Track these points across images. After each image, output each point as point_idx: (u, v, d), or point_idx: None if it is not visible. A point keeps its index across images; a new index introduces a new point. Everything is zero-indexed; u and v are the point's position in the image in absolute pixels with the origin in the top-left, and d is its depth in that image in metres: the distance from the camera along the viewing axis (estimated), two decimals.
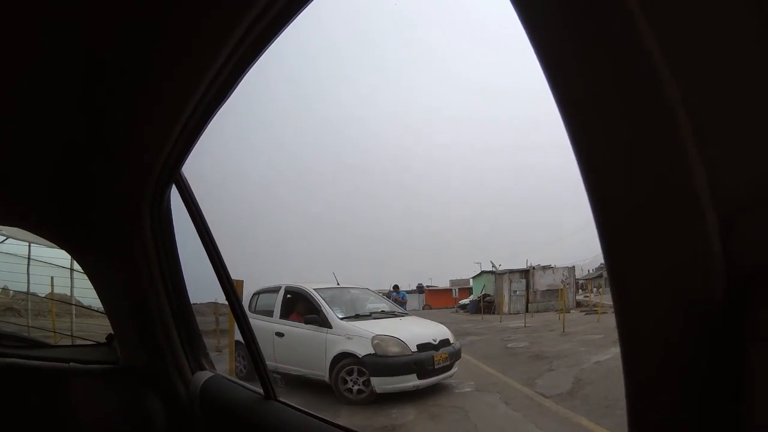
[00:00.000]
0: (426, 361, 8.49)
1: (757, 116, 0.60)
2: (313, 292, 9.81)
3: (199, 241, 2.20)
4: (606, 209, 0.70)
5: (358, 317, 9.77)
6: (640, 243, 0.69)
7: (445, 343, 9.13)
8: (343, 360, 8.60)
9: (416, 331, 9.34)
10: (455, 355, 9.16)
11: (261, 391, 2.08)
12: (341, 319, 9.34)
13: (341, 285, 11.03)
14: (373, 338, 8.58)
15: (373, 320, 9.72)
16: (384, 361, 8.29)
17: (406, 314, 11.12)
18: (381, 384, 8.19)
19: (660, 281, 0.69)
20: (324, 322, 9.19)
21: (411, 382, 8.33)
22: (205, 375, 2.41)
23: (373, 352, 8.40)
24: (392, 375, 8.25)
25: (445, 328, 9.78)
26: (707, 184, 0.63)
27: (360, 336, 8.73)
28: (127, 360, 2.54)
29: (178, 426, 2.35)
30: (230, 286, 2.22)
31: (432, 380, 8.59)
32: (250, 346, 2.17)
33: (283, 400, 2.03)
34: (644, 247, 0.69)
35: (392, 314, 10.48)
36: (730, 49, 0.59)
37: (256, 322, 9.17)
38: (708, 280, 0.66)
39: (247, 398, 2.13)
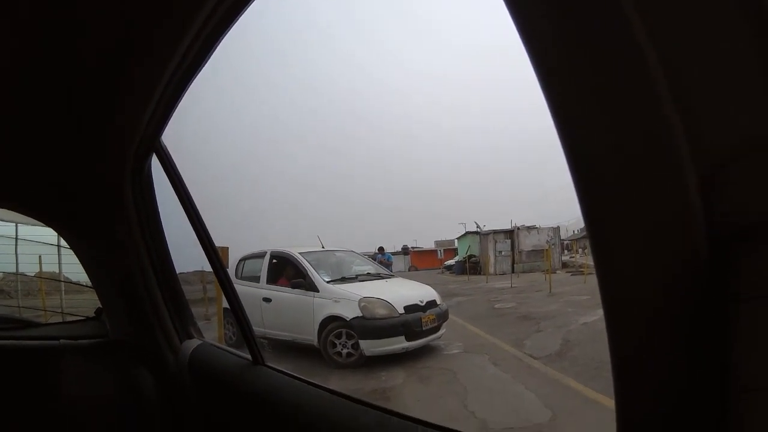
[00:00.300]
0: (413, 322, 8.51)
1: (734, 69, 0.58)
2: (299, 256, 9.79)
3: (182, 209, 2.19)
4: (583, 169, 0.68)
5: (344, 280, 9.72)
6: (620, 203, 0.67)
7: (432, 304, 9.16)
8: (331, 324, 8.61)
9: (403, 292, 9.31)
10: (443, 317, 9.19)
11: (249, 356, 2.08)
12: (327, 282, 9.31)
13: (326, 248, 11.05)
14: (360, 301, 8.58)
15: (360, 283, 9.73)
16: (372, 324, 8.30)
17: (393, 276, 11.16)
18: (370, 347, 8.24)
19: (641, 242, 0.67)
20: (311, 286, 9.18)
21: (400, 344, 8.34)
22: (193, 343, 2.42)
23: (360, 314, 8.41)
24: (380, 337, 8.28)
25: (432, 289, 9.81)
26: (686, 140, 0.61)
27: (347, 299, 8.70)
28: (116, 333, 2.53)
29: (168, 395, 2.36)
30: (215, 254, 2.21)
31: (420, 342, 8.61)
32: (236, 312, 2.18)
33: (270, 364, 2.04)
34: (624, 207, 0.67)
35: (378, 276, 10.48)
36: (711, 15, 0.57)
37: (242, 288, 9.33)
38: (690, 240, 0.65)
39: (235, 364, 2.14)
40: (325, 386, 1.78)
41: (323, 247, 11.03)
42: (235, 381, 2.06)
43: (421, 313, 8.76)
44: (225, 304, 6.93)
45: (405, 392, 6.90)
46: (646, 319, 0.69)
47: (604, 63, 0.63)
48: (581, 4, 0.62)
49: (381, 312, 8.50)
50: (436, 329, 9.00)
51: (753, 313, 0.59)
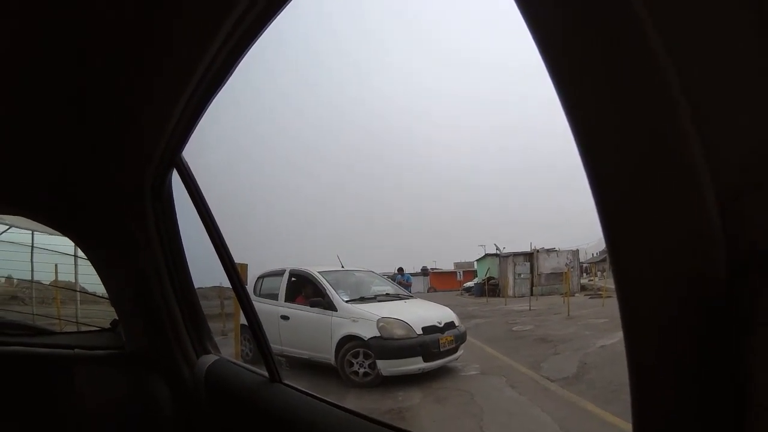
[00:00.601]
0: (431, 343, 8.50)
1: (756, 95, 0.58)
2: (318, 275, 9.84)
3: (202, 225, 2.19)
4: (605, 191, 0.69)
5: (363, 300, 9.75)
6: (640, 225, 0.68)
7: (450, 325, 9.16)
8: (349, 343, 8.64)
9: (421, 313, 9.32)
10: (460, 338, 9.17)
11: (266, 374, 2.08)
12: (346, 301, 9.37)
13: (346, 268, 11.06)
14: (379, 321, 8.60)
15: (378, 303, 9.73)
16: (389, 344, 8.31)
17: (411, 297, 11.11)
18: (387, 367, 8.23)
19: (660, 263, 0.68)
20: (329, 305, 9.22)
21: (417, 364, 8.34)
22: (209, 359, 2.42)
23: (378, 334, 8.43)
24: (398, 357, 8.27)
25: (450, 310, 9.79)
26: (707, 165, 0.61)
27: (365, 319, 8.72)
28: (132, 345, 2.55)
29: (183, 410, 2.37)
30: (234, 270, 2.21)
31: (438, 363, 8.60)
32: (254, 329, 2.18)
33: (288, 383, 2.04)
34: (644, 228, 0.68)
35: (397, 297, 10.48)
36: (729, 26, 0.57)
37: (261, 305, 9.24)
38: (708, 263, 0.65)
39: (252, 381, 2.13)
40: (342, 405, 1.78)
41: (342, 267, 11.04)
42: (251, 398, 2.06)
43: (440, 334, 8.75)
44: (242, 320, 7.14)
45: (422, 413, 6.91)
46: (662, 337, 0.70)
47: (625, 79, 0.63)
48: (603, 30, 0.63)
49: (399, 332, 8.49)
50: (454, 350, 8.99)
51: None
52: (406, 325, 8.60)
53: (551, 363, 9.07)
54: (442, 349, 8.65)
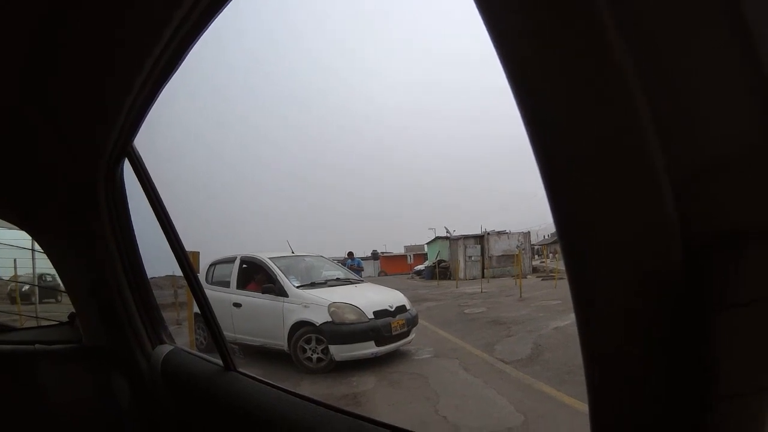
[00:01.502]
0: (383, 327, 8.50)
1: (710, 78, 0.57)
2: (269, 261, 9.78)
3: (153, 214, 2.21)
4: (555, 177, 0.67)
5: (314, 285, 9.66)
6: (593, 212, 0.67)
7: (401, 309, 9.16)
8: (301, 329, 8.54)
9: (372, 297, 9.32)
10: (412, 322, 9.19)
11: (220, 362, 2.10)
12: (297, 287, 9.25)
13: (296, 254, 10.98)
14: (330, 306, 8.51)
15: (329, 288, 9.68)
16: (341, 329, 8.27)
17: (362, 281, 11.11)
18: (339, 352, 8.20)
19: (615, 251, 0.67)
20: (280, 291, 9.14)
21: (369, 349, 8.30)
22: (165, 349, 2.45)
23: (330, 319, 8.37)
24: (350, 342, 8.26)
25: (401, 294, 9.81)
26: (660, 150, 0.60)
27: (316, 304, 8.65)
28: (89, 338, 2.59)
29: (142, 400, 2.40)
30: (185, 259, 2.21)
31: (390, 347, 8.61)
32: (207, 317, 2.18)
33: (242, 370, 2.06)
34: (597, 216, 0.67)
35: (348, 281, 10.47)
36: (685, 10, 0.55)
37: (213, 293, 9.24)
38: (664, 249, 0.64)
39: (207, 370, 2.15)
40: (297, 392, 1.79)
41: (293, 253, 10.95)
42: (207, 387, 2.07)
43: (391, 318, 8.74)
44: (196, 309, 6.93)
45: (377, 397, 6.84)
46: (618, 323, 0.69)
47: (575, 62, 0.61)
48: (556, 12, 0.60)
49: (350, 317, 8.46)
50: (406, 334, 8.99)
51: (730, 320, 0.60)
52: (358, 310, 8.55)
53: (505, 345, 9.14)
54: (393, 333, 8.63)
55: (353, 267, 15.71)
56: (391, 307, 8.98)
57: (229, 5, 1.23)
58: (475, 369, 7.75)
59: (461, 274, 24.11)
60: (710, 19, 0.54)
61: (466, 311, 13.90)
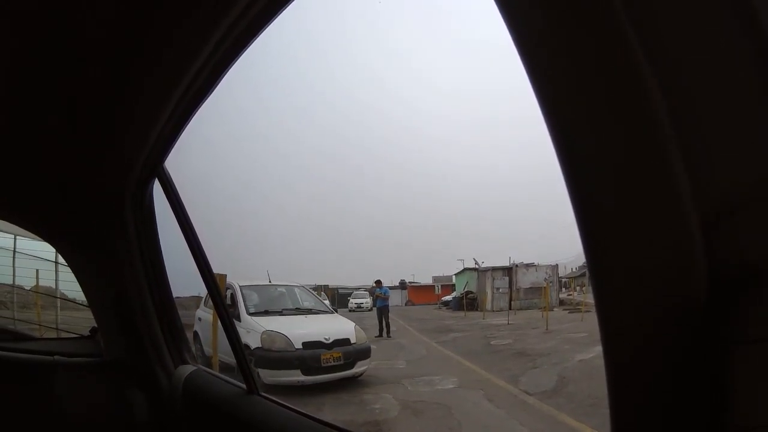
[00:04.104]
0: (310, 358, 8.89)
1: (741, 115, 0.58)
2: (237, 287, 10.37)
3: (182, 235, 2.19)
4: (587, 208, 0.69)
5: (267, 313, 10.31)
6: (621, 243, 0.67)
7: (342, 342, 9.47)
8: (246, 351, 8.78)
9: (310, 329, 9.69)
10: (356, 355, 9.46)
11: (243, 385, 2.07)
12: (249, 313, 9.94)
13: (272, 283, 11.71)
14: (263, 333, 8.99)
15: (281, 316, 10.25)
16: (268, 355, 8.69)
17: (329, 312, 11.60)
18: (267, 376, 8.50)
19: (641, 281, 0.67)
20: (237, 315, 9.68)
21: (295, 377, 8.70)
22: (187, 369, 2.41)
23: (260, 345, 8.87)
24: (276, 368, 8.63)
25: (352, 328, 10.12)
26: (690, 184, 0.61)
27: (254, 330, 9.14)
28: (110, 353, 2.56)
29: (160, 419, 2.36)
30: (212, 280, 2.21)
31: (321, 378, 8.93)
32: (231, 339, 2.18)
33: (265, 394, 2.04)
34: (625, 246, 0.67)
35: (309, 311, 11.06)
36: (714, 48, 0.57)
37: (205, 315, 10.30)
38: (690, 282, 0.64)
39: (230, 392, 2.12)
40: (319, 417, 1.78)
41: (269, 282, 11.57)
42: (228, 409, 2.05)
43: (324, 350, 9.11)
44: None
45: (400, 426, 6.84)
46: (641, 355, 0.70)
47: (610, 100, 0.63)
48: (592, 52, 0.63)
49: (278, 345, 8.88)
50: (345, 367, 9.25)
51: (750, 354, 0.60)
52: (286, 339, 8.95)
53: (530, 377, 9.06)
54: (324, 365, 9.00)
55: (380, 295, 15.82)
56: (327, 340, 9.30)
57: (262, 32, 1.27)
58: (498, 400, 7.68)
59: (488, 306, 23.85)
60: (737, 56, 0.56)
61: (492, 342, 13.74)
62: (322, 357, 8.97)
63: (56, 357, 2.50)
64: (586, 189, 0.68)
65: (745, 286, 0.61)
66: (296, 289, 11.98)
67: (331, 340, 9.29)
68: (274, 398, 2.00)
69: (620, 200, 0.66)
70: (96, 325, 2.67)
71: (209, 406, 2.17)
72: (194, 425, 2.23)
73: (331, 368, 9.04)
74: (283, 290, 11.70)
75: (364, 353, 9.64)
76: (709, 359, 0.63)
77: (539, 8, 0.65)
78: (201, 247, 2.18)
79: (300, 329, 9.39)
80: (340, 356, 9.15)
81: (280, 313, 10.43)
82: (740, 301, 0.61)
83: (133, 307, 2.36)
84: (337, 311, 12.09)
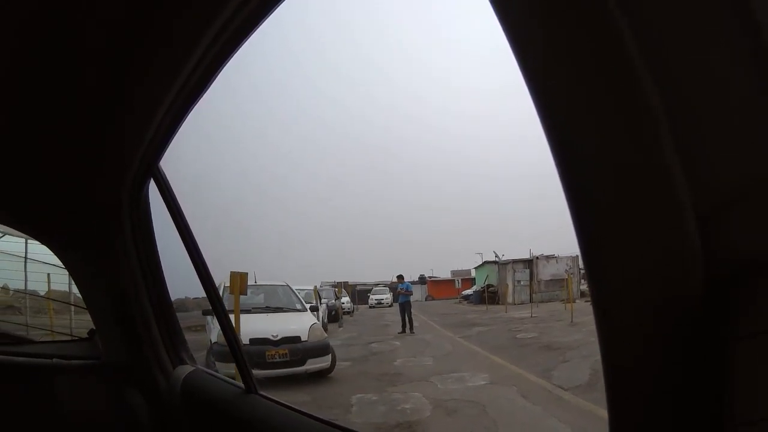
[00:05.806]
0: (255, 354, 9.18)
1: (737, 113, 0.58)
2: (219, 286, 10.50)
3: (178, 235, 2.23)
4: (583, 207, 0.69)
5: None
6: (618, 241, 0.68)
7: (291, 340, 9.91)
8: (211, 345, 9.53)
9: (262, 327, 10.07)
10: (304, 352, 9.86)
11: (242, 385, 2.10)
12: None
13: (258, 283, 12.03)
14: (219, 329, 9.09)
15: (249, 314, 10.44)
16: (220, 349, 8.89)
17: (301, 311, 11.90)
18: (221, 368, 8.64)
19: (639, 279, 0.68)
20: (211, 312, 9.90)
21: None
22: (186, 369, 2.44)
23: (216, 341, 9.07)
24: (225, 362, 8.75)
25: (307, 327, 10.46)
26: (686, 180, 0.61)
27: (216, 326, 9.26)
28: (108, 355, 2.59)
29: (160, 420, 2.40)
30: (209, 281, 2.22)
31: (265, 372, 9.16)
32: (229, 339, 2.21)
33: (264, 393, 2.06)
34: (622, 244, 0.68)
35: (279, 309, 11.58)
36: (710, 45, 0.57)
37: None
38: (687, 278, 0.65)
39: (228, 392, 2.16)
40: (318, 416, 1.80)
41: (255, 282, 11.83)
42: (227, 409, 2.08)
43: (271, 347, 9.65)
44: None
45: (433, 428, 6.71)
46: (639, 351, 0.70)
47: (604, 96, 0.63)
48: (586, 49, 0.62)
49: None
50: (292, 364, 9.69)
51: (749, 349, 0.60)
52: None
53: (561, 371, 8.97)
54: (269, 361, 9.48)
55: (401, 291, 15.89)
56: (275, 337, 9.79)
57: (259, 27, 1.26)
58: (533, 396, 7.57)
59: (510, 299, 23.85)
60: (735, 56, 0.56)
61: (517, 336, 13.72)
62: (267, 353, 9.50)
63: (55, 360, 2.53)
64: (582, 188, 0.68)
65: (744, 282, 0.61)
66: (279, 289, 12.54)
67: (279, 338, 9.78)
68: (273, 398, 2.02)
69: (617, 198, 0.66)
70: (94, 327, 2.69)
71: (208, 406, 2.21)
72: (193, 425, 2.26)
73: (276, 364, 9.54)
74: (267, 289, 12.30)
75: (317, 351, 10.03)
76: (708, 355, 0.64)
77: (534, 6, 0.65)
78: (197, 246, 2.20)
79: (254, 326, 9.72)
80: (286, 353, 9.64)
81: (249, 311, 10.70)
82: (739, 296, 0.62)
83: (131, 308, 2.37)
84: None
